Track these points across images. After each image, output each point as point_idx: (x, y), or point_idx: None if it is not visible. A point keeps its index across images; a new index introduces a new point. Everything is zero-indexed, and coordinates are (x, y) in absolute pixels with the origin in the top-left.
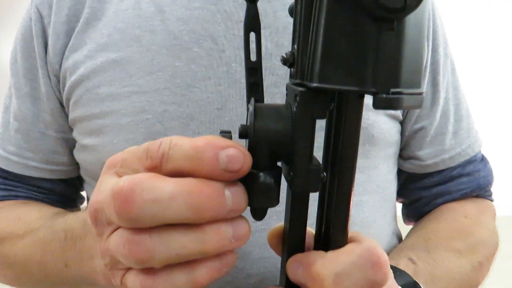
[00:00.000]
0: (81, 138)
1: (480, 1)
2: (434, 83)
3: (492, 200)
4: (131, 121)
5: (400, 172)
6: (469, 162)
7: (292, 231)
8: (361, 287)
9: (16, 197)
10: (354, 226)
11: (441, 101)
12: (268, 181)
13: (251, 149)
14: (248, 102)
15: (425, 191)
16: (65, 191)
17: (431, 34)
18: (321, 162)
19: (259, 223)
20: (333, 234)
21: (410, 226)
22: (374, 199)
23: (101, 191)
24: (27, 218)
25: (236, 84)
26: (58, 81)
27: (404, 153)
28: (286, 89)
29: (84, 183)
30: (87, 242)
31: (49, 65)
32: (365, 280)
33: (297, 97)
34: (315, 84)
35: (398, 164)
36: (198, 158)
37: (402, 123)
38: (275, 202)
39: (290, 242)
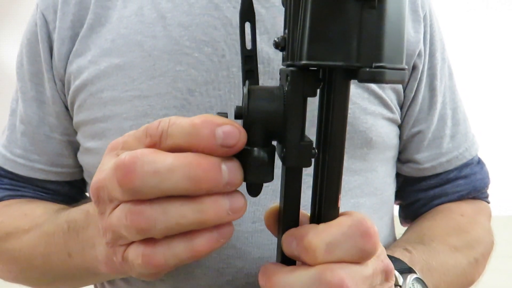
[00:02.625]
0: (85, 141)
1: (479, 4)
2: (432, 88)
3: (488, 202)
4: (133, 125)
5: (397, 175)
6: (466, 165)
7: (287, 207)
8: (352, 256)
9: (22, 196)
10: None
11: (439, 105)
12: (262, 155)
13: (246, 128)
14: (244, 85)
15: (422, 193)
16: (70, 192)
17: (428, 39)
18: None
19: (258, 224)
20: (325, 208)
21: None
22: (371, 201)
23: (102, 170)
24: (32, 214)
25: (236, 89)
26: (63, 85)
27: (402, 157)
28: (280, 74)
29: (87, 185)
30: (90, 231)
31: (55, 70)
32: (356, 249)
33: (288, 77)
34: (304, 62)
35: (396, 168)
36: (196, 134)
37: (400, 127)
38: (270, 177)
39: (285, 218)
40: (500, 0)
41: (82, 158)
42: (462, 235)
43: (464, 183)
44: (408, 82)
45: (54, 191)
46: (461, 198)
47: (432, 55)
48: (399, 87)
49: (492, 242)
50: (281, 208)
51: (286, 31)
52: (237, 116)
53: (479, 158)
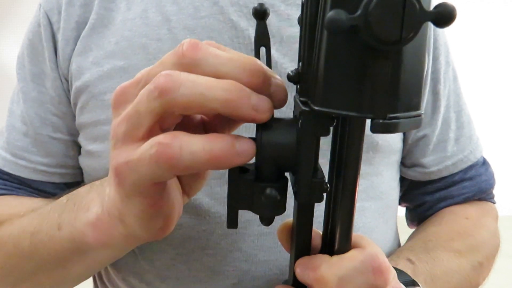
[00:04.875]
0: (87, 143)
1: (481, 5)
2: (435, 92)
3: (494, 203)
4: None
5: (403, 179)
6: (471, 167)
7: (299, 237)
8: None
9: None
10: (356, 231)
11: (442, 109)
12: (273, 194)
13: (259, 162)
14: None
15: (428, 196)
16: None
17: (431, 44)
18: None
19: (264, 227)
20: (338, 240)
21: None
22: (376, 205)
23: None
24: (29, 203)
25: None
26: (68, 84)
27: (407, 161)
28: (294, 101)
29: None
30: (89, 197)
31: (60, 69)
32: (367, 285)
33: (301, 116)
34: (317, 108)
35: (402, 172)
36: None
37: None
38: (281, 211)
39: (298, 245)
40: (505, 2)
41: (83, 161)
42: (467, 239)
43: (469, 185)
44: None
45: (51, 194)
46: (466, 200)
47: (435, 59)
48: None
49: (498, 245)
50: (294, 231)
51: (300, 65)
52: None
53: (484, 159)
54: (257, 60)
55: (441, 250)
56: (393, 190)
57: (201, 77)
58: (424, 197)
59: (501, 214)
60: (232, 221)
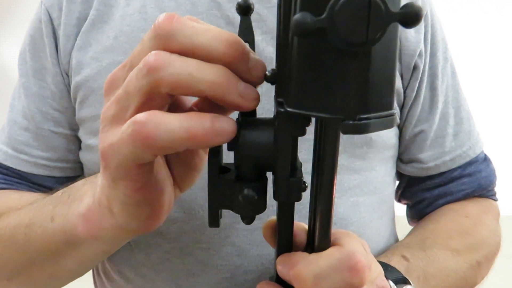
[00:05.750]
0: (86, 138)
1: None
2: (433, 87)
3: (495, 200)
4: None
5: (402, 175)
6: (470, 163)
7: (280, 235)
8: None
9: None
10: (351, 226)
11: (440, 104)
12: (251, 194)
13: (238, 161)
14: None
15: (427, 192)
16: None
17: (429, 39)
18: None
19: (257, 222)
20: (317, 237)
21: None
22: (371, 200)
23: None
24: (28, 197)
25: None
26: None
27: (405, 157)
28: (274, 101)
29: None
30: (84, 188)
31: (61, 64)
32: (342, 283)
33: (277, 117)
34: (289, 109)
35: (400, 168)
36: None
37: (402, 127)
38: (261, 210)
39: (280, 242)
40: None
41: (83, 156)
42: (465, 237)
43: (468, 181)
44: (409, 82)
45: (52, 189)
46: (466, 196)
47: (433, 55)
48: (399, 87)
49: (498, 243)
50: (276, 234)
51: (276, 66)
52: (229, 149)
53: (485, 155)
54: (235, 34)
55: (438, 248)
56: (388, 185)
57: (191, 59)
58: (423, 194)
59: (502, 214)
60: (214, 221)
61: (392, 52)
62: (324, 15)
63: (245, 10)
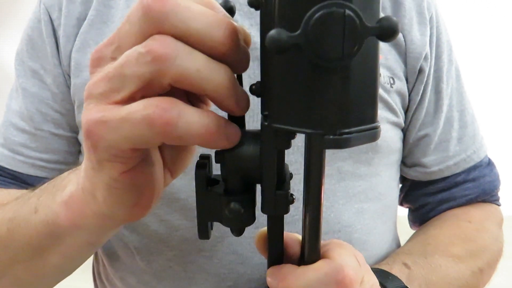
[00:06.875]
0: None
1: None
2: (437, 91)
3: (499, 205)
4: None
5: (405, 179)
6: (474, 167)
7: (271, 246)
8: None
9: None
10: (355, 234)
11: (445, 108)
12: (236, 208)
13: (225, 174)
14: None
15: (430, 197)
16: None
17: (434, 42)
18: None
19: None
20: (306, 250)
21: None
22: (375, 206)
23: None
24: (16, 192)
25: None
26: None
27: (408, 161)
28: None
29: None
30: (69, 177)
31: (62, 66)
32: None
33: (262, 130)
34: (272, 124)
35: (403, 172)
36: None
37: (406, 130)
38: (249, 222)
39: (270, 254)
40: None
41: (82, 159)
42: (467, 244)
43: (472, 186)
44: (414, 85)
45: None
46: (470, 201)
47: (438, 58)
48: (404, 90)
49: (500, 250)
50: (267, 247)
51: (261, 79)
52: (217, 161)
53: (489, 159)
54: (231, 21)
55: (440, 255)
56: (393, 190)
57: (198, 53)
58: (426, 198)
59: (505, 214)
60: (203, 233)
61: (372, 65)
62: (298, 31)
63: (228, 12)
